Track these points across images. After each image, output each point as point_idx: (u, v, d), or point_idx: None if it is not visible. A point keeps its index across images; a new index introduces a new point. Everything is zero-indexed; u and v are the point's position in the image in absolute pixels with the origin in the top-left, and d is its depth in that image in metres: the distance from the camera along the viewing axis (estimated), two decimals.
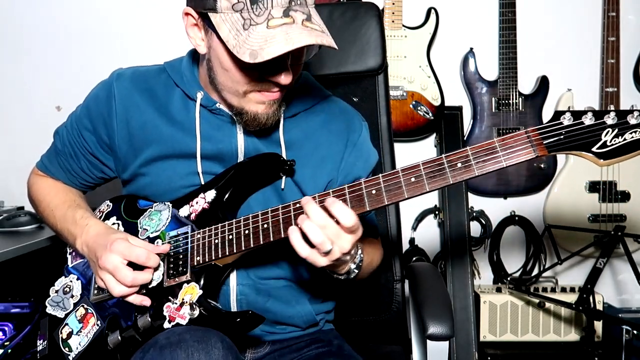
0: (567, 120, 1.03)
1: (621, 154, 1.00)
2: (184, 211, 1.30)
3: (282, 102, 1.30)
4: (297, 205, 1.15)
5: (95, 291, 1.30)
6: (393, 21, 2.45)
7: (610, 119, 1.01)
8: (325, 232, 1.08)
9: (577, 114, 1.02)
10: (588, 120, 1.02)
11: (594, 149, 1.01)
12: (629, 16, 2.56)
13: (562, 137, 1.02)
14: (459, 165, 1.07)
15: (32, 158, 1.55)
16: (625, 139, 1.00)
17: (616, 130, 1.00)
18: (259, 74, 1.19)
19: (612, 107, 2.50)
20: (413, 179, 1.09)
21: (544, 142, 1.03)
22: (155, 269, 1.25)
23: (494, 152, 1.05)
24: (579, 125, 1.02)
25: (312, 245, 1.09)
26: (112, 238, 1.22)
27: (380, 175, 1.11)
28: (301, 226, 1.09)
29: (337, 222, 1.08)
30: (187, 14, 1.21)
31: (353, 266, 1.21)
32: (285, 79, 1.19)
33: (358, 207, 1.11)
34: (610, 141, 1.00)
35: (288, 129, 1.35)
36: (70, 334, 1.31)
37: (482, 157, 1.06)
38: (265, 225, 1.16)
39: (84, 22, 2.51)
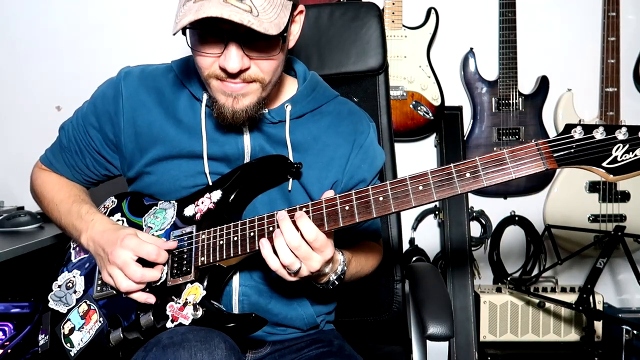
0: (578, 134, 1.02)
1: (632, 170, 1.00)
2: (189, 210, 1.30)
3: (260, 104, 1.25)
4: (304, 209, 1.15)
5: (99, 287, 1.30)
6: (393, 21, 2.45)
7: (621, 134, 1.00)
8: (296, 252, 1.11)
9: (588, 128, 1.01)
10: (599, 134, 1.01)
11: (604, 164, 1.01)
12: (629, 16, 2.56)
13: (572, 150, 1.02)
14: (468, 175, 1.05)
15: (32, 158, 1.55)
16: (636, 155, 0.99)
17: (627, 146, 0.99)
18: (211, 60, 1.18)
19: (611, 108, 2.51)
20: (421, 188, 1.08)
21: (554, 155, 1.02)
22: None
23: (503, 163, 1.04)
24: (590, 140, 1.01)
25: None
26: (122, 233, 1.22)
27: (387, 182, 1.10)
28: (274, 242, 1.12)
29: (303, 237, 1.10)
30: None
31: (333, 277, 1.23)
32: (230, 64, 1.14)
33: (365, 214, 1.11)
34: (621, 157, 1.00)
35: (295, 130, 1.34)
36: (72, 330, 1.31)
37: (491, 167, 1.05)
38: (271, 228, 1.16)
39: (84, 22, 2.50)
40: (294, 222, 1.12)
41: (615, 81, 2.50)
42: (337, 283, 1.24)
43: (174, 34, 1.12)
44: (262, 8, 1.10)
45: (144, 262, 1.21)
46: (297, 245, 1.10)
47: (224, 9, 1.07)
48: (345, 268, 1.24)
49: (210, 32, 1.14)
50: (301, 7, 1.26)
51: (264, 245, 1.13)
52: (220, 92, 1.22)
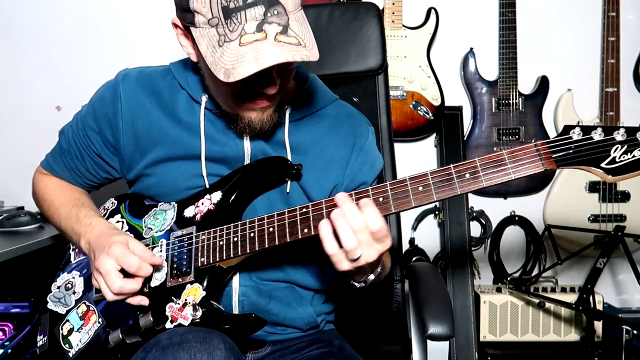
0: (576, 135, 1.03)
1: (630, 170, 1.01)
2: (189, 212, 1.30)
3: (283, 106, 1.29)
4: (303, 209, 1.15)
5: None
6: (393, 21, 2.45)
7: (619, 135, 1.01)
8: (358, 237, 1.05)
9: (587, 129, 1.03)
10: (597, 135, 1.02)
11: (602, 165, 1.02)
12: (629, 16, 2.56)
13: (571, 151, 1.03)
14: (467, 175, 1.06)
15: (32, 158, 1.55)
16: (634, 156, 1.00)
17: (625, 147, 1.01)
18: (245, 85, 1.17)
19: (611, 108, 2.51)
20: (421, 188, 1.08)
21: (553, 156, 1.03)
22: (158, 269, 1.25)
23: (502, 164, 1.05)
24: (589, 141, 1.02)
25: (340, 246, 1.06)
26: (111, 240, 1.20)
27: (387, 183, 1.11)
28: (335, 224, 1.06)
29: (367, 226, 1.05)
30: (175, 24, 1.20)
31: (372, 277, 1.19)
32: (271, 89, 1.17)
33: None
34: (619, 157, 1.01)
35: (294, 133, 1.34)
36: (71, 331, 1.31)
37: (491, 168, 1.05)
38: (271, 229, 1.16)
39: (84, 22, 2.50)
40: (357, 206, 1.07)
41: (615, 81, 2.50)
42: (373, 283, 1.20)
43: (231, 82, 1.07)
44: (301, 33, 1.10)
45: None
46: (362, 227, 1.05)
47: (282, 52, 1.05)
48: (381, 269, 1.21)
49: None
50: None
51: (324, 227, 1.07)
52: (248, 109, 1.23)
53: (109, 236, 1.24)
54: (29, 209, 2.20)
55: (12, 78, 2.52)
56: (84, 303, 1.32)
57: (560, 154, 1.03)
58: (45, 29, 2.51)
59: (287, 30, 1.08)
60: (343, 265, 1.09)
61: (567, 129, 1.04)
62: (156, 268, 1.24)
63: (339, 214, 1.06)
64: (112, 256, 1.18)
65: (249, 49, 1.06)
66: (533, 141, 1.06)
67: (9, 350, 1.65)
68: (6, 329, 1.72)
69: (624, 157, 1.01)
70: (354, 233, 1.05)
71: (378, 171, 1.44)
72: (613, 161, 1.01)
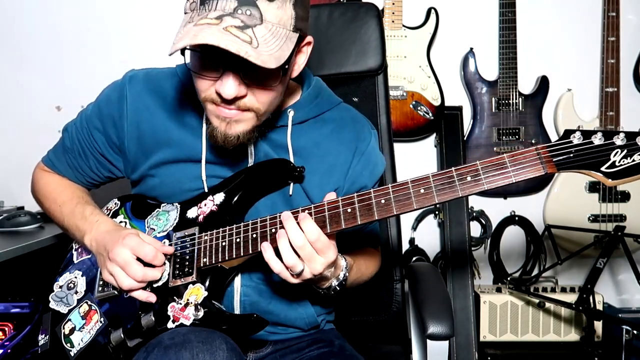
0: (576, 139, 1.04)
1: (630, 174, 1.02)
2: (192, 213, 1.30)
3: (253, 131, 1.22)
4: (306, 210, 1.15)
5: (100, 288, 1.30)
6: (393, 21, 2.45)
7: (619, 140, 1.02)
8: (300, 252, 1.12)
9: (587, 134, 1.04)
10: (597, 140, 1.03)
11: (602, 169, 1.03)
12: (629, 16, 2.56)
13: (571, 155, 1.04)
14: (469, 178, 1.08)
15: (32, 158, 1.54)
16: (634, 160, 1.01)
17: (625, 151, 1.02)
18: (208, 83, 1.15)
19: (611, 107, 2.51)
20: (422, 191, 1.09)
21: (554, 160, 1.05)
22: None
23: (503, 167, 1.07)
24: (589, 145, 1.04)
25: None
26: (124, 233, 1.23)
27: (389, 185, 1.12)
28: (277, 243, 1.13)
29: (306, 238, 1.11)
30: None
31: (335, 282, 1.23)
32: (225, 90, 1.12)
33: (367, 216, 1.12)
34: (619, 161, 1.02)
35: (297, 136, 1.34)
36: (72, 330, 1.31)
37: (492, 171, 1.07)
38: (273, 230, 1.16)
39: (84, 23, 2.51)
40: (297, 224, 1.12)
41: (615, 81, 2.50)
42: (338, 289, 1.24)
43: (170, 54, 1.08)
44: (263, 39, 1.07)
45: (142, 262, 1.21)
46: (301, 244, 1.11)
47: (222, 37, 1.04)
48: (347, 274, 1.25)
49: (208, 56, 1.12)
50: (309, 39, 1.22)
51: (266, 249, 1.14)
52: (214, 115, 1.20)
53: (118, 230, 1.26)
54: (29, 209, 2.20)
55: (12, 78, 2.52)
56: (86, 302, 1.32)
57: (561, 157, 1.05)
58: (46, 29, 2.51)
59: (246, 29, 1.06)
60: (291, 280, 1.16)
61: (568, 133, 1.06)
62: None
63: (282, 233, 1.13)
64: (127, 246, 1.20)
65: (196, 29, 1.06)
66: (533, 142, 1.07)
67: (9, 350, 1.64)
68: (6, 329, 1.72)
69: (623, 161, 1.02)
70: (295, 249, 1.12)
71: (379, 175, 1.44)
72: (613, 165, 1.02)
